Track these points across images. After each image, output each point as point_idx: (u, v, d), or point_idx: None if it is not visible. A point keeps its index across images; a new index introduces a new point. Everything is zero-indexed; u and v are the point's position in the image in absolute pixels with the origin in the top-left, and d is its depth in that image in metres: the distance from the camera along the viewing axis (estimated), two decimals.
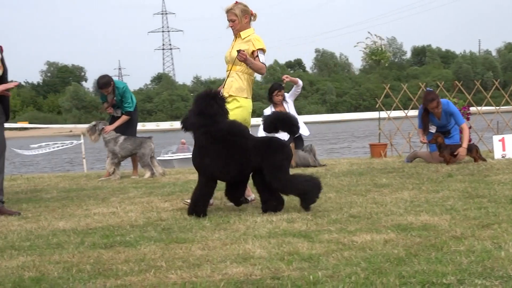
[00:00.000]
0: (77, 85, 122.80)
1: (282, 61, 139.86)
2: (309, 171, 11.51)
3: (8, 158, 8.31)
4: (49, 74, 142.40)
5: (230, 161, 7.03)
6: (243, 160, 7.03)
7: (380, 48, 14.85)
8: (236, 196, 7.45)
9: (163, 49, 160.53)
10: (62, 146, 17.76)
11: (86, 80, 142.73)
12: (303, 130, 13.08)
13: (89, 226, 6.77)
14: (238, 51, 7.57)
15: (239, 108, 7.78)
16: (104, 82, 12.19)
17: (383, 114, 15.94)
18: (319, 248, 5.18)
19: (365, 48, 14.92)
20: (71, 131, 63.40)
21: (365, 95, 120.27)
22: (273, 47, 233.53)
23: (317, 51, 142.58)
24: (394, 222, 6.14)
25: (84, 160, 17.14)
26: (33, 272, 4.83)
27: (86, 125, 14.59)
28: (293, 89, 13.17)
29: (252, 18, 7.96)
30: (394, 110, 15.84)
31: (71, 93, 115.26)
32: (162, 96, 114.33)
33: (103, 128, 12.15)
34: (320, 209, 7.12)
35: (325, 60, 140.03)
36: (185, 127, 7.23)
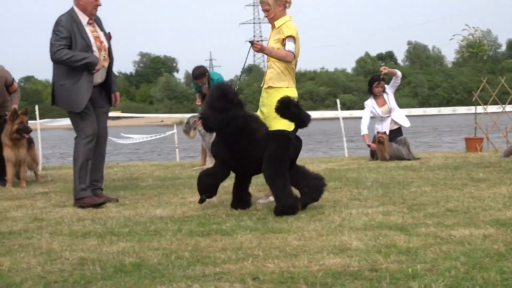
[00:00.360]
0: (169, 76, 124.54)
1: (373, 53, 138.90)
2: (403, 164, 11.42)
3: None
4: (141, 65, 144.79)
5: (241, 152, 6.95)
6: (251, 151, 6.90)
7: (478, 41, 14.53)
8: (242, 197, 7.30)
9: None
10: (156, 136, 18.05)
11: (177, 71, 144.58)
12: (404, 122, 12.97)
13: (185, 214, 6.88)
14: (251, 42, 7.55)
15: None
16: (200, 73, 12.35)
17: (479, 108, 15.62)
18: (416, 241, 5.13)
19: (462, 41, 14.63)
20: (162, 121, 64.41)
21: (458, 88, 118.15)
22: (364, 38, 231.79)
23: (409, 43, 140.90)
24: (493, 217, 6.03)
25: (176, 150, 17.37)
26: (133, 258, 4.94)
27: (177, 115, 14.75)
28: (392, 80, 13.06)
29: (287, 5, 7.76)
30: (491, 104, 15.54)
31: (163, 84, 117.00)
32: (252, 87, 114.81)
33: (195, 121, 12.27)
34: (416, 202, 7.06)
35: (417, 52, 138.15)
36: (204, 124, 7.27)
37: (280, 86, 7.66)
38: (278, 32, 7.63)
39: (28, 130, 10.18)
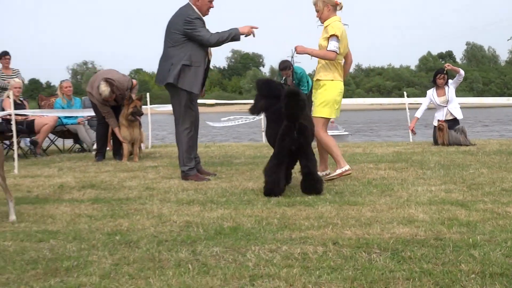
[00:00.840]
0: (256, 70, 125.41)
1: (434, 52, 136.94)
2: (461, 149, 11.19)
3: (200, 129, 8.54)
4: (233, 60, 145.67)
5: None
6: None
7: None
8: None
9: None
10: (246, 120, 18.13)
11: (263, 66, 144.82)
12: (458, 114, 12.74)
13: None
14: (295, 48, 7.47)
15: (325, 90, 7.53)
16: (285, 66, 12.58)
17: None
18: (475, 216, 5.04)
19: None
20: None
21: (510, 84, 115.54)
22: (426, 39, 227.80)
23: (467, 44, 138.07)
24: None
25: (263, 133, 17.42)
26: (231, 223, 5.00)
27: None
28: (456, 77, 12.92)
29: (337, 7, 7.59)
30: None
31: (251, 76, 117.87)
32: None
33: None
34: (474, 182, 6.90)
35: (474, 52, 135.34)
36: (255, 111, 7.08)
37: (326, 79, 7.57)
38: (326, 31, 7.52)
39: (140, 113, 10.36)
